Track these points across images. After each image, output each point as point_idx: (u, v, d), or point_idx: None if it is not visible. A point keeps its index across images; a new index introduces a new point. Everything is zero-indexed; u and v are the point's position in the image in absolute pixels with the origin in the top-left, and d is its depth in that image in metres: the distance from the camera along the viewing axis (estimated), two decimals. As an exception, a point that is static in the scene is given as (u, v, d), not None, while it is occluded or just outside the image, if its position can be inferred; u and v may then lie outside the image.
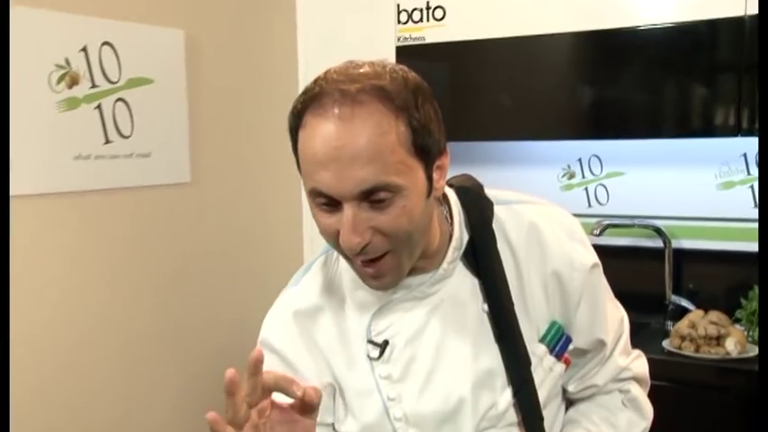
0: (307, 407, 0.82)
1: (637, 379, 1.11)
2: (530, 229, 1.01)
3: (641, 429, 1.10)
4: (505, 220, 1.01)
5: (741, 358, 2.00)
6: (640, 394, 1.12)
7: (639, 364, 1.13)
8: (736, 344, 2.02)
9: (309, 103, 0.87)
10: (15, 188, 1.85)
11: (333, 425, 1.03)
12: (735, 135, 2.00)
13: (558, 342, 1.02)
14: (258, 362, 0.78)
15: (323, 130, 0.85)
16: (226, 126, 2.40)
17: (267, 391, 0.81)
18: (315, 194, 0.88)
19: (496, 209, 1.02)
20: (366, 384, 1.00)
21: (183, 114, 2.23)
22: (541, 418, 0.99)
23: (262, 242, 2.53)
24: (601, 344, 1.05)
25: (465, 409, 0.98)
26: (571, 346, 1.03)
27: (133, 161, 2.11)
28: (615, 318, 1.07)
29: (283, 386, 0.80)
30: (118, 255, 2.12)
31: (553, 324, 1.01)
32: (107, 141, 2.04)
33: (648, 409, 1.12)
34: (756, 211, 2.16)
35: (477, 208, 1.02)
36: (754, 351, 2.02)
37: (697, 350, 2.04)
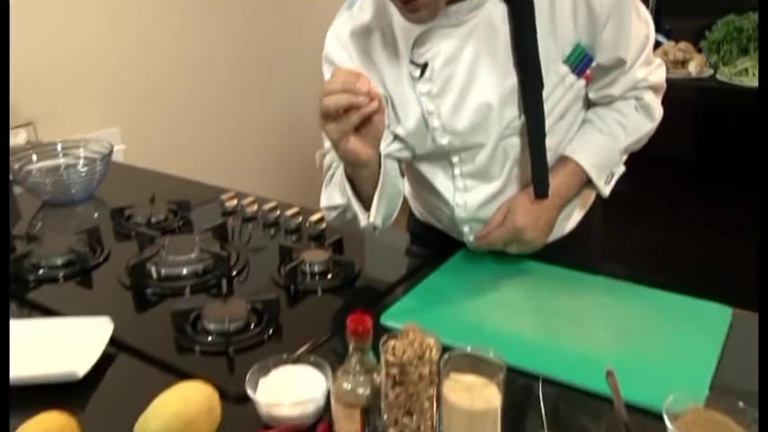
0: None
1: (653, 87, 1.16)
2: None
3: (648, 129, 1.17)
4: None
5: (699, 77, 2.59)
6: (653, 101, 1.16)
7: (658, 72, 1.16)
8: (696, 66, 2.60)
9: None
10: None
11: (389, 126, 1.13)
12: None
13: (581, 62, 1.06)
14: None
15: None
16: None
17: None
18: None
19: None
20: (409, 98, 1.09)
21: None
22: (544, 135, 1.07)
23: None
24: (621, 61, 1.08)
25: (492, 118, 1.07)
26: (593, 64, 1.07)
27: None
28: (639, 35, 1.09)
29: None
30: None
31: (577, 46, 1.04)
32: None
33: (658, 114, 1.18)
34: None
35: None
36: (709, 72, 2.60)
37: (666, 72, 2.62)
